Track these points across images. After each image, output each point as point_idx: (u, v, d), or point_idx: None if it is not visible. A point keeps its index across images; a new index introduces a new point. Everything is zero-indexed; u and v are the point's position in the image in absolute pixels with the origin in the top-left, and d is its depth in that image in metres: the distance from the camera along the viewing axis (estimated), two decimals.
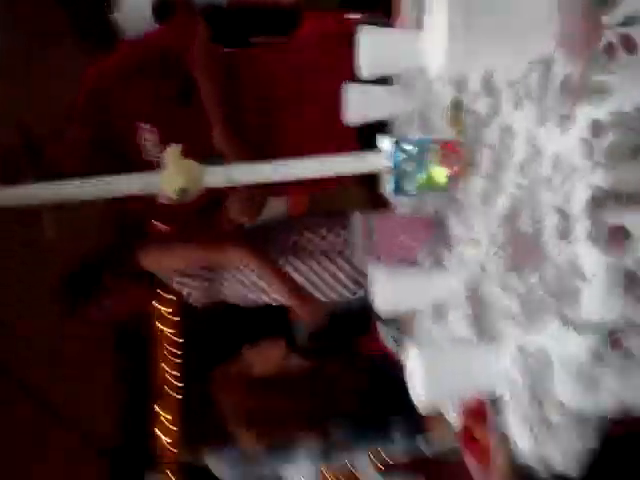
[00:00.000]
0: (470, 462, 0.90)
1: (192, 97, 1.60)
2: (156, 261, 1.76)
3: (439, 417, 1.09)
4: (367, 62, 1.17)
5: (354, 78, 1.40)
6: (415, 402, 0.87)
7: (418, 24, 1.14)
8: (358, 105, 1.30)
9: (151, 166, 1.63)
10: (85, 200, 1.19)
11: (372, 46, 1.15)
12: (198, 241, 1.76)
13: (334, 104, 1.37)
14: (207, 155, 1.17)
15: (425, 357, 0.83)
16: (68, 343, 2.68)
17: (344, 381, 1.66)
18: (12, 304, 2.42)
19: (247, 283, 1.82)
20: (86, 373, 3.11)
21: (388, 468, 3.73)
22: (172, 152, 0.89)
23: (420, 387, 0.83)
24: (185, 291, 1.78)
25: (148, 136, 1.60)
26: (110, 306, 1.73)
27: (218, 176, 0.94)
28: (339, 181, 1.23)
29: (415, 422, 1.60)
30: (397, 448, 1.79)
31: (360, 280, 1.82)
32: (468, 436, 0.90)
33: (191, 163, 0.90)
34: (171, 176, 0.88)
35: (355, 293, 1.87)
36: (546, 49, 0.74)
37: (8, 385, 2.53)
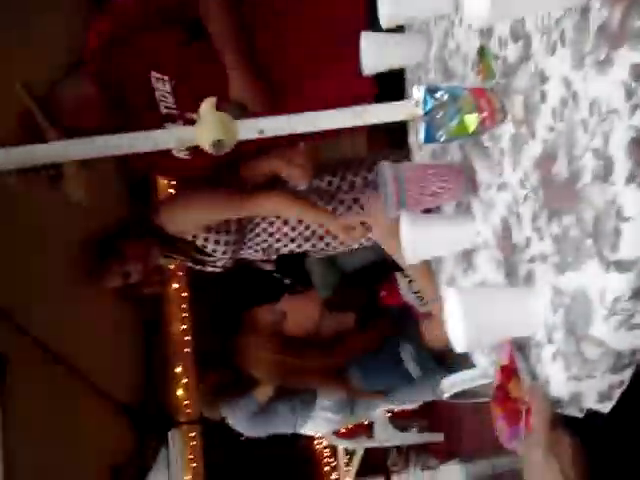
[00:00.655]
0: (501, 424, 0.92)
1: (196, 40, 1.57)
2: (181, 218, 1.76)
3: None
4: (389, 12, 1.17)
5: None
6: (453, 343, 0.90)
7: None
8: (374, 52, 1.30)
9: (166, 118, 1.62)
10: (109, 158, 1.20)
11: None
12: (228, 193, 1.76)
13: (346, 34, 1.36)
14: (223, 101, 1.17)
15: (464, 299, 0.85)
16: (89, 308, 2.71)
17: (366, 335, 1.69)
18: (34, 272, 2.44)
19: (276, 234, 1.84)
20: (106, 335, 3.15)
21: (396, 415, 3.84)
22: (207, 105, 0.89)
23: (459, 328, 0.86)
24: (210, 247, 1.79)
25: (161, 85, 1.59)
26: (127, 272, 1.74)
27: (250, 129, 0.95)
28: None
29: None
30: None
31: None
32: (503, 393, 0.93)
33: (224, 115, 0.91)
34: (207, 129, 0.89)
35: (369, 238, 1.90)
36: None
37: (35, 350, 2.57)
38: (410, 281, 1.68)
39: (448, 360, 1.64)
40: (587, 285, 0.76)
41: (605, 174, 0.72)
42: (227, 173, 1.76)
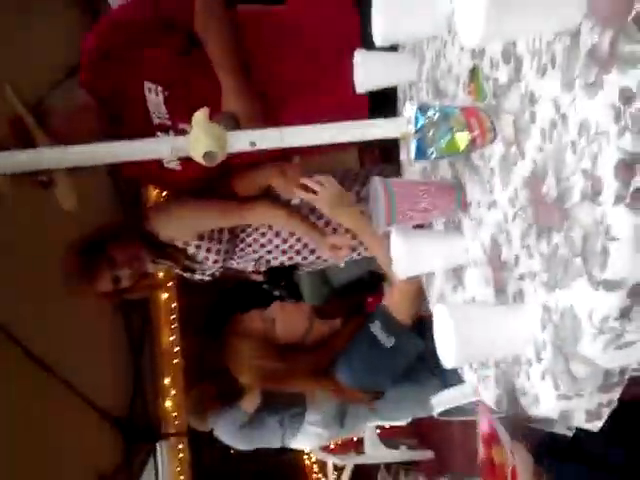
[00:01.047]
0: None
1: (197, 48, 1.57)
2: (174, 225, 1.76)
3: None
4: (383, 30, 1.18)
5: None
6: (443, 359, 0.90)
7: None
8: (367, 71, 1.31)
9: (158, 128, 1.62)
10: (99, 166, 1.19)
11: (387, 14, 1.16)
12: (221, 201, 1.77)
13: (338, 65, 1.38)
14: (216, 113, 1.17)
15: (453, 315, 0.86)
16: (77, 316, 2.69)
17: (345, 330, 1.71)
18: (21, 277, 2.42)
19: (268, 245, 1.84)
20: (95, 345, 3.14)
21: (386, 432, 3.83)
22: (200, 116, 0.90)
23: (448, 344, 0.86)
24: (201, 256, 1.79)
25: (154, 96, 1.59)
26: (117, 277, 1.73)
27: (242, 140, 0.96)
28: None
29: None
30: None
31: None
32: (489, 465, 0.94)
33: (217, 127, 0.91)
34: (199, 140, 0.89)
35: (360, 253, 1.92)
36: (572, 21, 0.75)
37: (23, 360, 2.55)
38: None
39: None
40: (576, 304, 0.77)
41: (593, 194, 0.73)
42: (218, 185, 1.76)
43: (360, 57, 1.30)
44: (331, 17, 1.66)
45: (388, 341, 1.58)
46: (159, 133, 1.63)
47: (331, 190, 1.55)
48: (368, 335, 1.59)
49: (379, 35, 1.18)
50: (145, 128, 1.60)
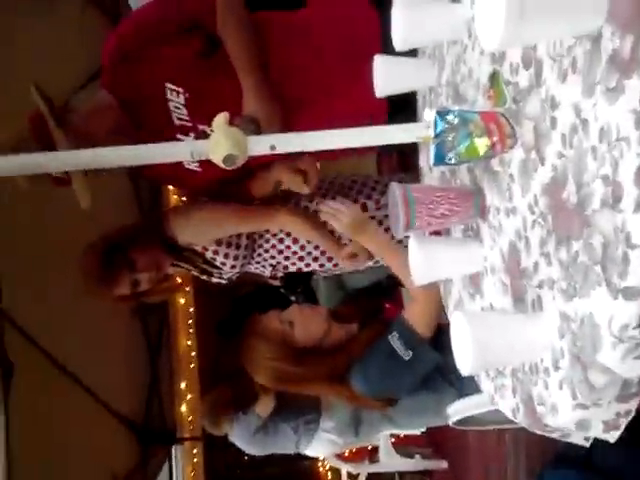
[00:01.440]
0: None
1: (218, 50, 1.58)
2: (194, 231, 1.77)
3: None
4: (403, 34, 1.18)
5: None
6: (460, 366, 0.90)
7: None
8: (387, 76, 1.31)
9: (179, 129, 1.63)
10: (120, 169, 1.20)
11: (407, 19, 1.16)
12: (242, 208, 1.77)
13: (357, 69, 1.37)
14: (236, 116, 1.17)
15: (471, 322, 0.85)
16: (96, 319, 2.72)
17: (362, 336, 1.70)
18: (40, 279, 2.45)
19: (285, 252, 1.84)
20: (112, 349, 3.16)
21: (400, 441, 3.80)
22: (220, 120, 0.90)
23: (465, 351, 0.85)
24: (219, 260, 1.80)
25: (175, 97, 1.60)
26: (136, 280, 1.73)
27: (262, 144, 0.96)
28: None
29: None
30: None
31: None
32: None
33: (237, 131, 0.92)
34: (219, 144, 0.90)
35: (378, 261, 1.91)
36: (593, 25, 0.74)
37: (43, 365, 2.58)
38: None
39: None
40: (595, 312, 0.76)
41: (614, 201, 0.72)
42: (235, 187, 1.77)
43: (379, 62, 1.30)
44: (351, 22, 1.66)
45: (406, 354, 1.58)
46: (179, 134, 1.64)
47: (353, 215, 1.56)
48: (386, 346, 1.59)
49: (399, 39, 1.18)
50: (166, 129, 1.61)
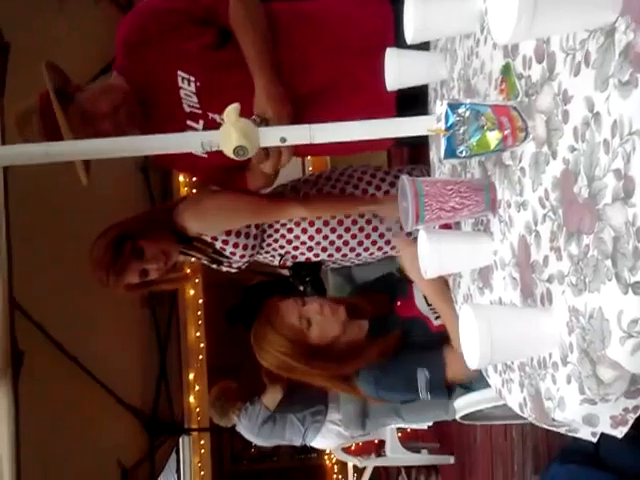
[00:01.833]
0: None
1: (230, 43, 1.57)
2: (205, 223, 1.77)
3: None
4: (415, 27, 1.17)
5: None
6: (467, 360, 0.90)
7: None
8: (398, 70, 1.31)
9: (189, 116, 1.64)
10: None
11: (420, 13, 1.15)
12: (254, 199, 1.77)
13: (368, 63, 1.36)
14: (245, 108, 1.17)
15: (479, 316, 0.85)
16: (104, 309, 2.73)
17: (378, 346, 1.68)
18: (50, 270, 2.47)
19: (294, 242, 1.84)
20: (122, 339, 3.18)
21: (407, 435, 3.80)
22: (231, 111, 0.90)
23: (474, 345, 0.85)
24: (228, 250, 1.80)
25: (186, 85, 1.60)
26: (145, 270, 1.74)
27: (272, 137, 0.96)
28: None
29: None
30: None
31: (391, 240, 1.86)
32: None
33: (248, 122, 0.92)
34: (230, 136, 0.90)
35: (386, 252, 1.91)
36: (607, 19, 0.74)
37: (54, 354, 2.60)
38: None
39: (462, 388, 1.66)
40: (604, 306, 0.76)
41: (625, 195, 0.72)
42: (235, 176, 1.77)
43: (390, 55, 1.29)
44: (364, 16, 1.65)
45: (424, 394, 1.59)
46: (189, 121, 1.65)
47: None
48: (410, 374, 1.58)
49: (411, 33, 1.18)
50: (176, 114, 1.62)
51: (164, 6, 1.60)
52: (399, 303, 1.77)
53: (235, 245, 1.79)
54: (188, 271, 2.87)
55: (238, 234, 1.78)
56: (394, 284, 1.83)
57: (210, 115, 1.62)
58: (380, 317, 1.77)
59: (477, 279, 1.20)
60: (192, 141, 0.98)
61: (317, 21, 1.65)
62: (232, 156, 0.92)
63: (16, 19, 2.31)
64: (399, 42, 1.28)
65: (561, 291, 0.87)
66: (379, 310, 1.77)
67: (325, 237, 1.85)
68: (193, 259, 1.90)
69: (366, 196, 1.85)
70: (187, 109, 1.63)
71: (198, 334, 4.11)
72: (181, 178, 4.01)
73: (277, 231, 1.84)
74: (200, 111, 1.63)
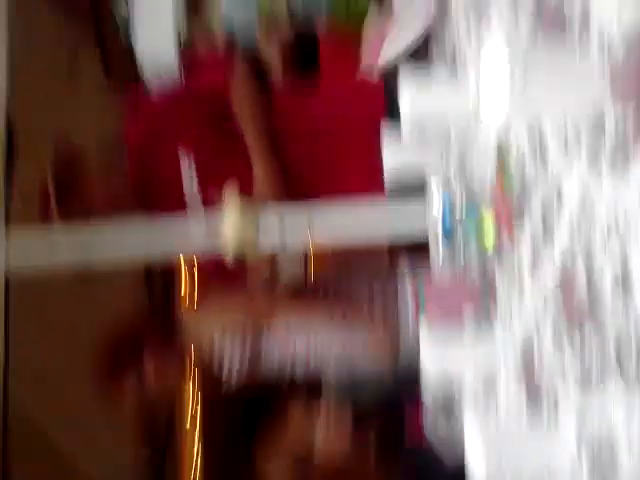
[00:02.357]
0: None
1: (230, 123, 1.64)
2: (201, 326, 1.74)
3: None
4: (410, 119, 1.16)
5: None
6: (473, 475, 0.83)
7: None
8: (396, 155, 1.31)
9: (189, 197, 1.66)
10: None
11: (416, 103, 1.15)
12: (247, 302, 1.75)
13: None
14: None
15: (486, 430, 0.79)
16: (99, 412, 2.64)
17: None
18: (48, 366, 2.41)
19: (293, 349, 1.79)
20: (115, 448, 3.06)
21: None
22: (232, 207, 0.90)
23: (480, 462, 0.79)
24: (226, 358, 1.76)
25: (187, 165, 1.64)
26: (146, 384, 1.70)
27: (272, 237, 0.95)
28: None
29: None
30: None
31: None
32: None
33: (248, 223, 0.91)
34: (231, 237, 0.89)
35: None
36: (597, 104, 0.73)
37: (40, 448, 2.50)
38: None
39: None
40: (612, 412, 0.70)
41: (625, 295, 0.68)
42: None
43: (388, 143, 1.29)
44: (362, 95, 1.71)
45: None
46: (190, 202, 1.67)
47: None
48: None
49: (407, 126, 1.16)
50: (176, 199, 1.65)
51: (169, 107, 1.69)
52: (408, 410, 1.64)
53: (232, 351, 1.76)
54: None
55: (235, 339, 1.75)
56: (398, 393, 1.72)
57: (210, 193, 1.67)
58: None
59: (481, 382, 1.14)
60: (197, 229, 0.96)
61: (316, 108, 1.72)
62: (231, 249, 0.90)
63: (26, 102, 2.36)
64: (392, 116, 1.30)
65: (567, 394, 0.82)
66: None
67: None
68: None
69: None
70: (187, 188, 1.66)
71: (195, 448, 3.95)
72: None
73: (273, 335, 1.80)
74: (199, 189, 1.66)
